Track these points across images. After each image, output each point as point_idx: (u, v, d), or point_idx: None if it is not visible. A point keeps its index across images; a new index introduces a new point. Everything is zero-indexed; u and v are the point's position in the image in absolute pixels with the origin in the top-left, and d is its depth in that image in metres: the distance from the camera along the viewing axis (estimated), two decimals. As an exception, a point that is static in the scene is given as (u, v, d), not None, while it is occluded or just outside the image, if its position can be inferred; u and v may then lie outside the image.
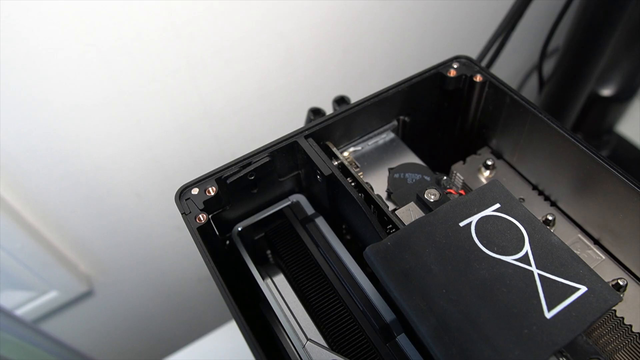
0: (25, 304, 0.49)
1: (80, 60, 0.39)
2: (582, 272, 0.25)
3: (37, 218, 0.46)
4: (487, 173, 0.34)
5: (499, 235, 0.26)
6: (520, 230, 0.26)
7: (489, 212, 0.27)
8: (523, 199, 0.33)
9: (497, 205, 0.27)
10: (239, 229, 0.32)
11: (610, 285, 0.29)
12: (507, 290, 0.24)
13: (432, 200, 0.29)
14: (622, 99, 0.52)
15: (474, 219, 0.27)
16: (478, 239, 0.26)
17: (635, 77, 0.53)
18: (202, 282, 0.64)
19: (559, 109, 0.47)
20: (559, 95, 0.45)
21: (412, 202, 0.29)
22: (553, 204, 0.33)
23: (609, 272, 0.30)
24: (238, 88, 0.47)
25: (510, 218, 0.27)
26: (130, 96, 0.43)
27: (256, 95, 0.49)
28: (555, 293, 0.24)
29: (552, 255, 0.25)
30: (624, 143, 0.59)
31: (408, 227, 0.26)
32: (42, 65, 0.38)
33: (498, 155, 0.35)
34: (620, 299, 0.24)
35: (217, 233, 0.32)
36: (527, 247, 0.26)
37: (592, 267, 0.30)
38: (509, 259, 0.25)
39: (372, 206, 0.29)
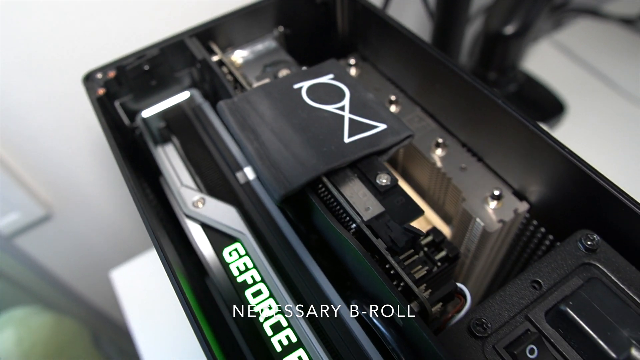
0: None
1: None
2: (386, 116, 0.31)
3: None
4: (352, 70, 0.41)
5: (325, 94, 0.33)
6: (344, 90, 0.33)
7: (322, 79, 0.34)
8: (378, 88, 0.40)
9: (331, 76, 0.34)
10: (143, 115, 0.39)
11: (434, 144, 0.36)
12: (319, 125, 0.31)
13: (283, 76, 0.36)
14: (518, 36, 0.58)
15: (308, 83, 0.33)
16: (307, 95, 0.33)
17: (529, 14, 0.59)
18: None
19: (446, 42, 0.53)
20: (442, 27, 0.51)
21: (267, 79, 0.36)
22: (402, 90, 0.39)
23: (436, 135, 0.36)
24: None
25: (339, 83, 0.33)
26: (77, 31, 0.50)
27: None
28: (358, 128, 0.31)
29: (365, 106, 0.32)
30: (530, 80, 0.65)
31: (253, 89, 0.33)
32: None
33: (365, 58, 0.42)
34: (413, 133, 0.30)
35: (129, 122, 0.40)
36: (345, 101, 0.32)
37: (424, 134, 0.37)
38: (328, 107, 0.32)
39: (237, 85, 0.36)
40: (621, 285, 0.25)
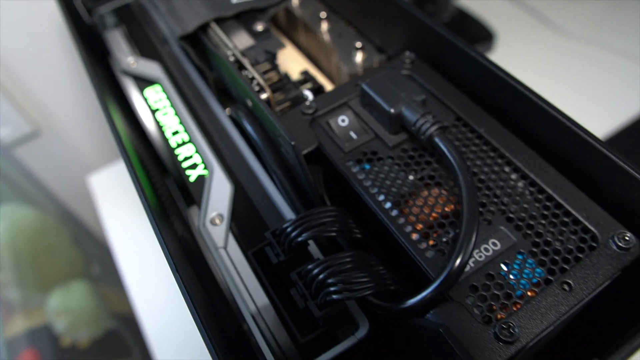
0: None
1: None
2: (270, -14, 0.41)
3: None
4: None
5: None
6: (242, -27, 0.42)
7: (227, -33, 0.43)
8: (287, -12, 0.49)
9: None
10: (100, 11, 0.50)
11: (318, 19, 0.44)
12: (216, -8, 0.40)
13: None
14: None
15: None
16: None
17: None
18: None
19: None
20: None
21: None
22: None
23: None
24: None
25: (240, -31, 0.43)
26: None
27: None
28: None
29: (255, -19, 0.41)
30: (462, 12, 0.72)
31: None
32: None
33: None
34: (287, -4, 0.39)
35: (89, 20, 0.50)
36: (242, -22, 0.42)
37: (315, 16, 0.45)
38: (226, -18, 0.41)
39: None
40: (424, 83, 0.33)
